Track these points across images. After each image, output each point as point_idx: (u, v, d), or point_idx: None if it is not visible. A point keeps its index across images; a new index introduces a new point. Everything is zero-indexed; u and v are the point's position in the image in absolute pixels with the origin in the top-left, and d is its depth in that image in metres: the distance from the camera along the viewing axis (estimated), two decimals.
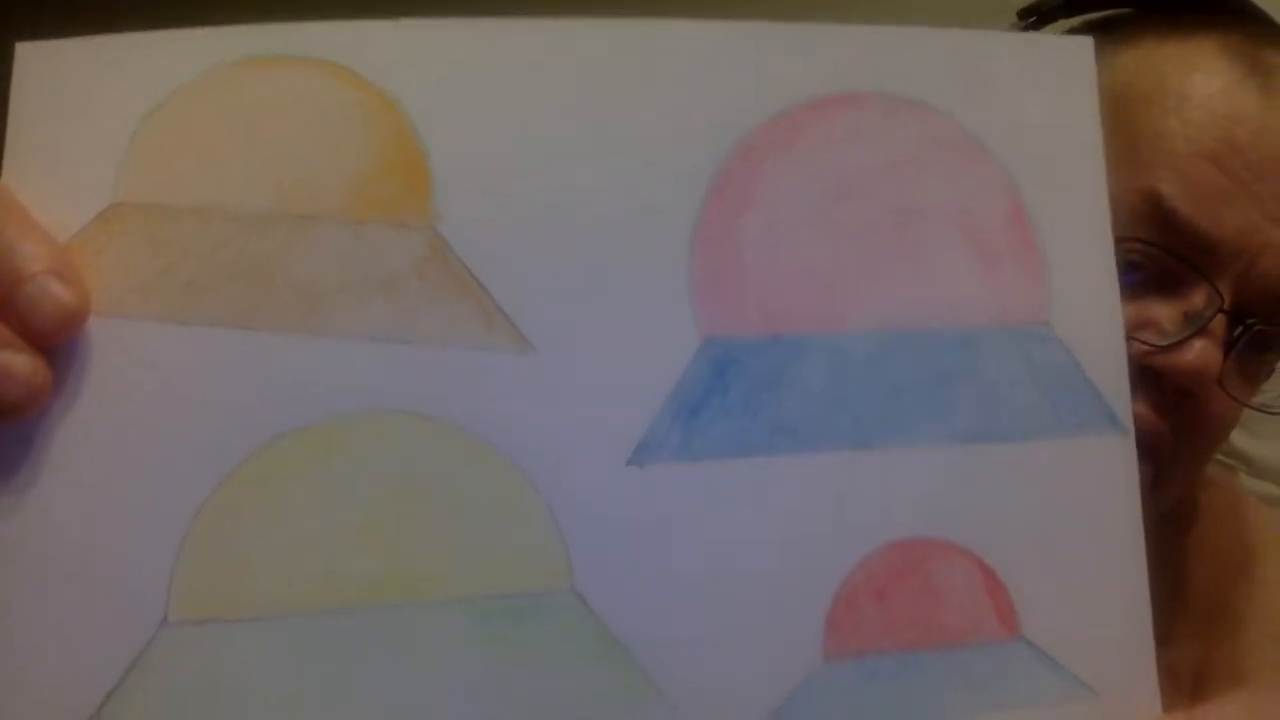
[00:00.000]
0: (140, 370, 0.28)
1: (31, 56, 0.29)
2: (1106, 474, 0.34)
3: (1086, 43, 0.35)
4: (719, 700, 0.30)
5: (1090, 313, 0.34)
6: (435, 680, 0.29)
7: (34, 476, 0.27)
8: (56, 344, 0.27)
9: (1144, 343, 0.48)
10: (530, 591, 0.30)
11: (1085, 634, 0.33)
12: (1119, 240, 0.35)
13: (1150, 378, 0.47)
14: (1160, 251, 0.48)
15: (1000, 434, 0.33)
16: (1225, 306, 0.48)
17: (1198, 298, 0.49)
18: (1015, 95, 0.34)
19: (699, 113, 0.32)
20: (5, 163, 0.28)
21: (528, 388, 0.30)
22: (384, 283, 0.30)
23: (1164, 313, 0.49)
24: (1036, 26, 0.55)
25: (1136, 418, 0.35)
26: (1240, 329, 0.49)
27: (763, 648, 0.31)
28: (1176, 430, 0.49)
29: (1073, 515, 0.33)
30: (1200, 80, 0.50)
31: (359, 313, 0.30)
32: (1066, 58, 0.35)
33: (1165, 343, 0.48)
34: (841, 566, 0.32)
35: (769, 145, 0.33)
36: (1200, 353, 0.48)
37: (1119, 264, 0.35)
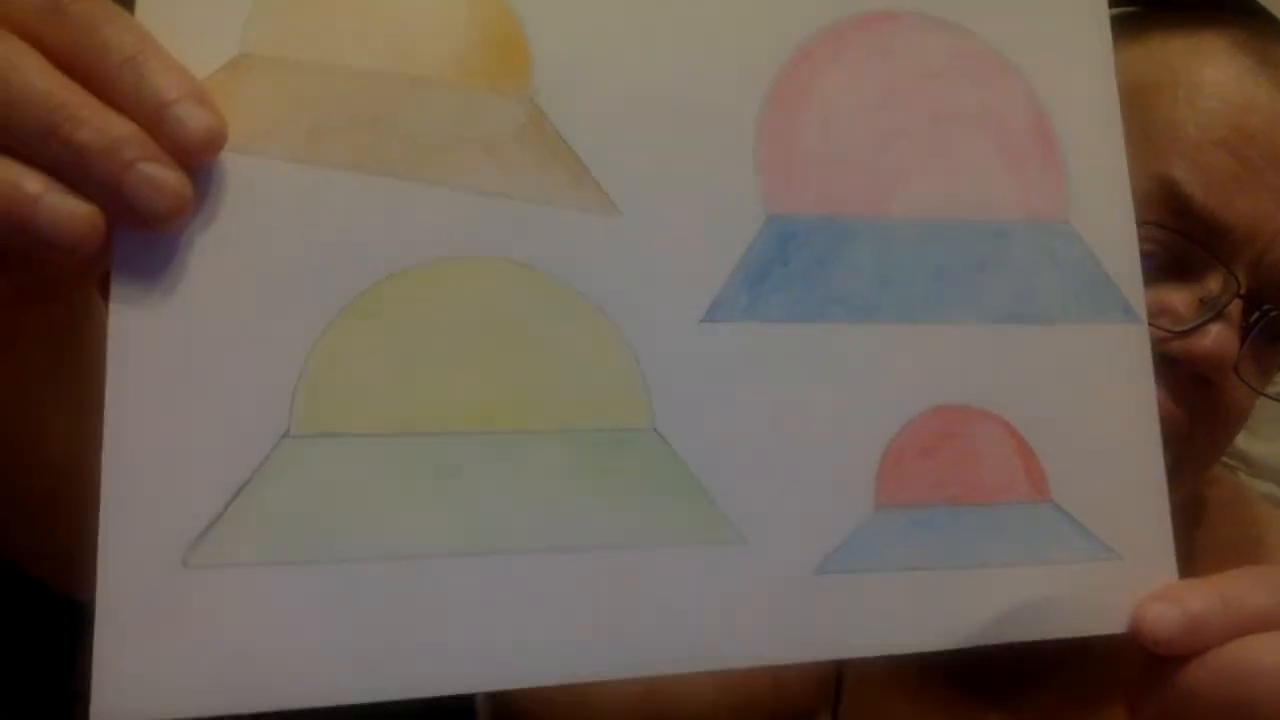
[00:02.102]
0: (268, 203, 0.30)
1: None
2: (1123, 358, 0.37)
3: None
4: (783, 537, 0.33)
5: (1105, 213, 0.38)
6: (531, 502, 0.31)
7: (174, 286, 0.29)
8: (200, 163, 0.29)
9: (1160, 329, 0.47)
10: (617, 428, 0.32)
11: (1108, 502, 0.36)
12: None
13: (1167, 365, 0.46)
14: (1175, 237, 0.48)
15: (1028, 317, 0.37)
16: (1241, 291, 0.48)
17: (1213, 283, 0.49)
18: (1035, 15, 0.38)
19: (762, 21, 0.36)
20: (138, 11, 0.30)
21: (615, 246, 0.33)
22: (486, 143, 0.32)
23: (1179, 299, 0.49)
24: None
25: None
26: (1256, 314, 0.49)
27: (821, 493, 0.34)
28: (1193, 418, 0.49)
29: (1093, 393, 0.37)
30: (1211, 71, 0.50)
31: (465, 167, 0.32)
32: None
33: (1181, 329, 0.48)
34: (889, 425, 0.35)
35: (821, 53, 0.36)
36: (1218, 338, 0.47)
37: None
